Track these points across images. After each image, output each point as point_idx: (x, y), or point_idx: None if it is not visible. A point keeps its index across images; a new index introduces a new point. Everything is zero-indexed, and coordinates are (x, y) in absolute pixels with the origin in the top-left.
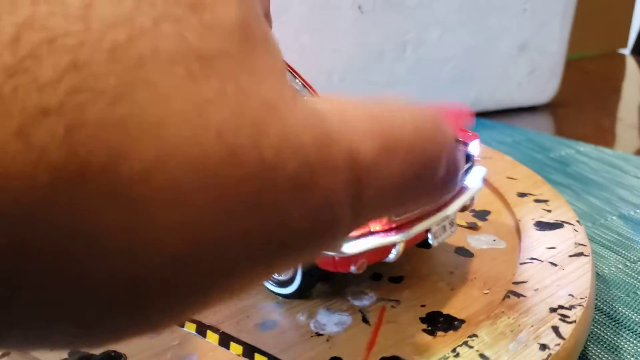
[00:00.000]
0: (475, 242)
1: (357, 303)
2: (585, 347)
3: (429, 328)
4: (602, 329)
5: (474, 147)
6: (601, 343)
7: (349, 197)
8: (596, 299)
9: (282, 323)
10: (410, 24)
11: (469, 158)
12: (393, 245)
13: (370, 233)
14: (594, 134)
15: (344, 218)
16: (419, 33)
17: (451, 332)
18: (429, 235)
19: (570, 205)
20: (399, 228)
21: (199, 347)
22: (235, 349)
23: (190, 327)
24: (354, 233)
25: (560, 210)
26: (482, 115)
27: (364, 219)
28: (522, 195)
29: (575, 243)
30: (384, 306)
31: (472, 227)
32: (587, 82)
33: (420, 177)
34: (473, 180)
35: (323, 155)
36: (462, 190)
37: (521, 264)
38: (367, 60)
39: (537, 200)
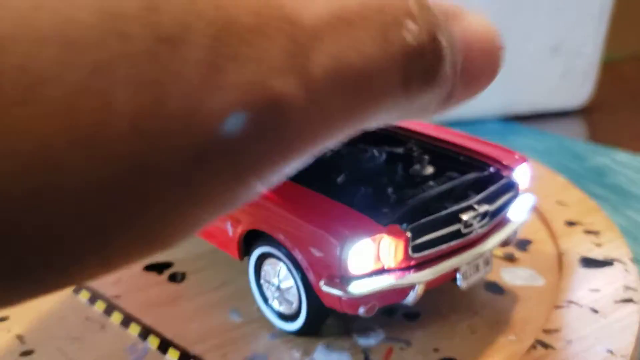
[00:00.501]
0: (510, 276)
1: (362, 342)
2: None
3: None
4: None
5: (522, 173)
6: None
7: (292, 71)
8: None
9: (272, 355)
10: None
11: (511, 186)
12: (412, 286)
13: (384, 271)
14: (630, 140)
15: (291, 100)
16: None
17: None
18: (458, 276)
19: (624, 240)
20: (419, 267)
21: None
22: None
23: (173, 355)
24: (365, 270)
25: (612, 244)
26: (513, 119)
27: (326, 111)
28: (570, 224)
29: (625, 287)
30: (391, 347)
31: (509, 259)
32: (623, 86)
33: (388, 61)
34: (517, 211)
35: (252, 20)
36: (503, 223)
37: (557, 307)
38: None
39: (587, 232)
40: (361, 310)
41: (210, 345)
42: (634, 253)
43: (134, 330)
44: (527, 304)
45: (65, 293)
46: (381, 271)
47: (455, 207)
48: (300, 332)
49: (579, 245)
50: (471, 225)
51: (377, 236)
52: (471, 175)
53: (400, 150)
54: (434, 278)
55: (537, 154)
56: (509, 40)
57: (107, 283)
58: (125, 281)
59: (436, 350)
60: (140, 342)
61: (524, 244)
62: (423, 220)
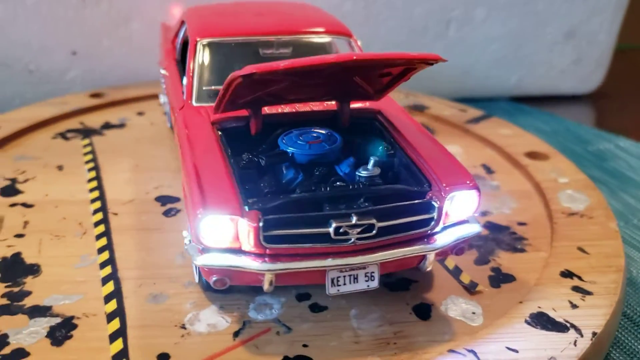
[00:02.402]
0: (452, 306)
1: (251, 315)
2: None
3: None
4: (625, 334)
5: (464, 199)
6: (623, 349)
7: None
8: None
9: (172, 299)
10: (457, 1)
11: (427, 209)
12: (261, 274)
13: (239, 251)
14: (635, 128)
15: None
16: (465, 11)
17: None
18: (327, 280)
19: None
20: (275, 257)
21: None
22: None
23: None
24: (221, 245)
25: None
26: (522, 100)
27: None
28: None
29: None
30: (269, 328)
31: (470, 290)
32: (634, 75)
33: None
34: (443, 236)
35: None
36: (408, 242)
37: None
38: (409, 34)
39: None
40: (211, 280)
41: (139, 273)
42: (623, 235)
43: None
44: (441, 336)
45: None
46: (236, 251)
47: (327, 212)
48: (201, 286)
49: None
50: (346, 233)
51: (234, 217)
52: (393, 187)
53: (361, 147)
54: (286, 272)
55: (543, 135)
56: (525, 23)
57: None
58: None
59: (305, 345)
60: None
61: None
62: (278, 215)
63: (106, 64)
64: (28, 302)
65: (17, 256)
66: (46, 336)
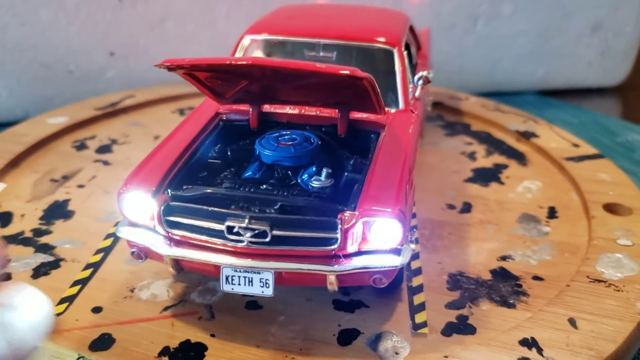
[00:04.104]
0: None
1: (193, 297)
2: None
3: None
4: None
5: (381, 227)
6: None
7: None
8: None
9: (143, 265)
10: None
11: (329, 228)
12: (160, 256)
13: (152, 230)
14: None
15: None
16: (492, 6)
17: None
18: (221, 276)
19: None
20: (178, 242)
21: None
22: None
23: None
24: (140, 221)
25: None
26: (549, 93)
27: None
28: None
29: None
30: (196, 312)
31: (413, 329)
32: None
33: None
34: (349, 262)
35: None
36: (306, 257)
37: None
38: (438, 30)
39: None
40: (130, 252)
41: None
42: None
43: None
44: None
45: None
46: (152, 229)
47: (224, 210)
48: None
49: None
50: (238, 234)
51: (147, 197)
52: (309, 200)
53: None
54: (186, 260)
55: (571, 128)
56: (552, 16)
57: None
58: None
59: (212, 335)
60: None
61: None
62: (177, 204)
63: (143, 64)
64: (44, 239)
65: (65, 202)
66: (33, 269)
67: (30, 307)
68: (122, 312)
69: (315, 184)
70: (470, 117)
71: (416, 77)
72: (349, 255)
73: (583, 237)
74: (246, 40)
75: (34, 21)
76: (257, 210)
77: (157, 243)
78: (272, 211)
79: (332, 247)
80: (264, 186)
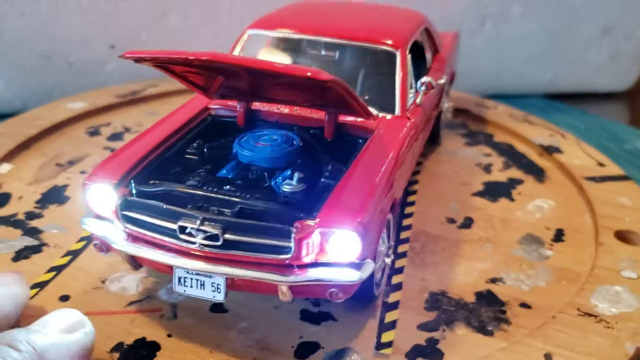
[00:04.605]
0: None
1: (161, 294)
2: None
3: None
4: None
5: (339, 240)
6: None
7: None
8: None
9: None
10: None
11: (281, 235)
12: (119, 251)
13: (111, 223)
14: None
15: None
16: (501, 8)
17: None
18: (174, 278)
19: None
20: (134, 238)
21: None
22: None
23: None
24: (104, 214)
25: None
26: (557, 97)
27: None
28: None
29: None
30: (160, 310)
31: (376, 348)
32: None
33: None
34: (303, 273)
35: None
36: (253, 264)
37: None
38: (444, 30)
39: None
40: (93, 244)
41: None
42: None
43: None
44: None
45: None
46: (111, 223)
47: (178, 209)
48: None
49: None
50: (191, 235)
51: (110, 189)
52: (268, 206)
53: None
54: (139, 257)
55: (577, 132)
56: (561, 19)
57: None
58: None
59: (169, 336)
60: None
61: None
62: (135, 199)
63: None
64: (34, 223)
65: (64, 187)
66: (15, 252)
67: (7, 280)
68: (89, 303)
69: (286, 188)
70: (494, 126)
71: (419, 83)
72: (304, 266)
73: (586, 265)
74: (245, 36)
75: (34, 11)
76: (215, 212)
77: (115, 237)
78: (229, 213)
79: (286, 256)
80: (228, 187)
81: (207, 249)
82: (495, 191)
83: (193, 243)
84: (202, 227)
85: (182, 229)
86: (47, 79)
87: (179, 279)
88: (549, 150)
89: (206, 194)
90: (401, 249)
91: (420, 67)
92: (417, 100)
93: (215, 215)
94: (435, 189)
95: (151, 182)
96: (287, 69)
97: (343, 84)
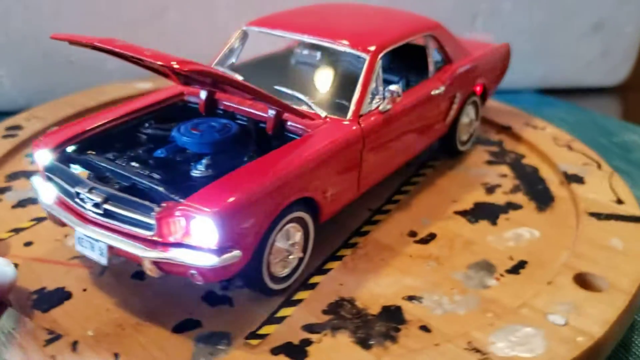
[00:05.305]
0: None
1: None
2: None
3: None
4: None
5: (199, 224)
6: None
7: None
8: None
9: None
10: None
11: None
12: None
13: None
14: None
15: None
16: (492, 4)
17: None
18: (75, 236)
19: None
20: (62, 203)
21: None
22: None
23: None
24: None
25: None
26: (549, 92)
27: None
28: None
29: None
30: (90, 268)
31: (247, 337)
32: None
33: None
34: (163, 251)
35: None
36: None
37: None
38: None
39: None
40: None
41: None
42: None
43: None
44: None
45: None
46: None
47: (77, 176)
48: None
49: None
50: (83, 200)
51: (45, 154)
52: (151, 185)
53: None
54: (50, 212)
55: (567, 126)
56: (552, 15)
57: None
58: None
59: (84, 290)
60: None
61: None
62: (54, 163)
63: None
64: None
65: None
66: (18, 200)
67: None
68: (43, 251)
69: (194, 172)
70: (529, 148)
71: (387, 89)
72: (168, 245)
73: (519, 301)
74: (239, 32)
75: (37, 9)
76: (113, 184)
77: (45, 196)
78: (116, 186)
79: (149, 232)
80: (142, 165)
81: (94, 216)
82: (481, 213)
83: (85, 209)
84: (89, 195)
85: (77, 194)
86: (50, 77)
87: (78, 239)
88: (570, 180)
89: (113, 168)
90: (343, 252)
91: (419, 74)
92: (381, 107)
93: (104, 186)
94: (419, 201)
95: (89, 152)
96: (153, 55)
97: (223, 74)
